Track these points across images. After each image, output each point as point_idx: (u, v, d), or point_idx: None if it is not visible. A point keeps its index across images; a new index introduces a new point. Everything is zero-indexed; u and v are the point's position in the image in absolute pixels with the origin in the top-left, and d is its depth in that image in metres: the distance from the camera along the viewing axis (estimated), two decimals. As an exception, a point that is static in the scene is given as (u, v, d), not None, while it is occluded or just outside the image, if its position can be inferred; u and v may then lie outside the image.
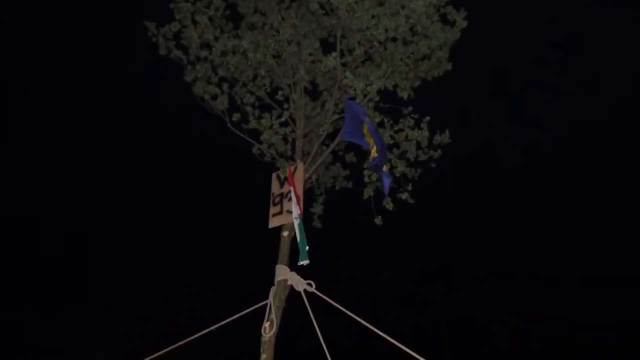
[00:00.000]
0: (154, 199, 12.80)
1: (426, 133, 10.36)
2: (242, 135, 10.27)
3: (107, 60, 12.29)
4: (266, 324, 8.63)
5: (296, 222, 9.20)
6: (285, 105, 10.63)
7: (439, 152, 10.51)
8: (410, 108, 10.50)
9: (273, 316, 8.66)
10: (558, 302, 14.06)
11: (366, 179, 10.51)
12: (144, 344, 10.45)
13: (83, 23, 12.05)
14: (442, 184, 11.84)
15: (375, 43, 10.26)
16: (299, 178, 9.63)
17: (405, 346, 7.87)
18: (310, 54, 10.52)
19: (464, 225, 14.12)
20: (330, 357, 8.15)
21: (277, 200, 9.71)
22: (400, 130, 10.52)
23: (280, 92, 10.60)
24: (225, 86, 10.49)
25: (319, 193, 11.19)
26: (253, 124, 10.18)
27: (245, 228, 12.06)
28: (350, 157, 11.13)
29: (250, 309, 8.96)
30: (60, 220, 12.64)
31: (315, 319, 8.50)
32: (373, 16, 9.95)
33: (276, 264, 9.23)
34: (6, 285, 12.34)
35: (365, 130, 9.33)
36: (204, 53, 10.53)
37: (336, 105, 10.37)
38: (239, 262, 13.21)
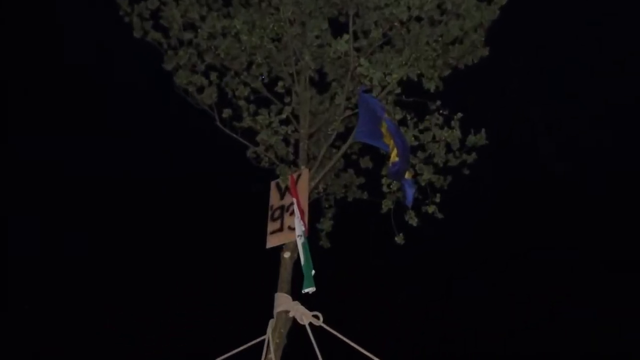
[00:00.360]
0: (155, 200, 13.89)
1: (458, 133, 10.18)
2: (234, 135, 10.16)
3: (107, 59, 13.17)
4: (263, 365, 8.64)
5: (300, 241, 9.05)
6: (287, 99, 10.52)
7: (474, 155, 10.34)
8: (439, 102, 10.32)
9: (272, 355, 8.54)
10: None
11: (385, 189, 10.35)
12: (142, 344, 13.13)
13: (82, 22, 12.80)
14: (475, 185, 11.87)
15: (395, 23, 10.13)
16: (303, 187, 9.51)
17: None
18: (316, 37, 10.35)
19: (501, 224, 14.64)
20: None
21: (276, 214, 9.61)
22: (427, 129, 10.34)
23: (280, 83, 10.40)
24: (213, 76, 10.36)
25: (327, 206, 11.13)
26: (247, 121, 10.04)
27: (244, 243, 12.29)
28: (366, 162, 11.01)
29: (244, 346, 8.89)
30: (60, 220, 13.81)
31: (323, 359, 8.44)
32: (393, -9, 9.72)
33: (275, 291, 9.07)
34: (6, 285, 13.71)
35: (383, 130, 9.24)
36: (187, 36, 10.39)
37: (348, 99, 10.19)
38: (233, 286, 13.59)
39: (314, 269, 8.85)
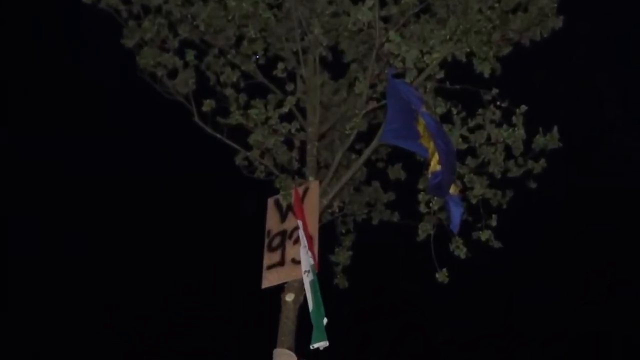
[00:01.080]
0: (154, 200, 15.99)
1: (521, 132, 10.04)
2: (218, 135, 10.11)
3: (106, 58, 14.22)
4: None
5: (307, 279, 8.87)
6: (289, 87, 10.51)
7: (542, 162, 10.23)
8: (496, 91, 10.18)
9: None
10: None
11: (422, 208, 10.23)
12: (142, 344, 15.33)
13: (80, 21, 13.79)
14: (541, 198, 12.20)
15: (437, -16, 9.95)
16: (312, 206, 9.44)
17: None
18: (329, 2, 10.41)
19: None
20: None
21: (275, 242, 9.51)
22: (479, 127, 10.25)
23: (280, 65, 10.32)
24: (190, 55, 10.34)
25: (344, 231, 11.15)
26: (236, 117, 9.92)
27: (237, 276, 12.96)
28: (396, 172, 10.99)
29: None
30: (60, 220, 16.07)
31: None
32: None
33: (274, 346, 8.98)
34: (6, 285, 16.04)
35: (420, 128, 9.26)
36: (155, 1, 10.39)
37: (373, 86, 10.14)
38: (221, 336, 15.31)
39: (327, 316, 8.68)
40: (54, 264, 16.09)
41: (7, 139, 15.66)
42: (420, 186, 10.22)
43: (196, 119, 10.12)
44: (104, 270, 15.98)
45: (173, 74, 10.34)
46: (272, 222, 9.68)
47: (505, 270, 14.14)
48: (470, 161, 10.27)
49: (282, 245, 9.39)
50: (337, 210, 10.75)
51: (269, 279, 9.32)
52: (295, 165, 10.23)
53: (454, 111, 10.23)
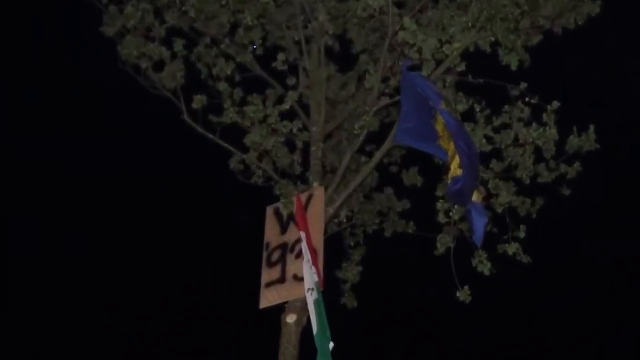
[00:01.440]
0: (153, 199, 16.82)
1: (553, 132, 9.84)
2: (211, 136, 9.99)
3: (106, 58, 14.32)
4: None
5: (311, 298, 8.73)
6: (291, 81, 10.41)
7: (577, 166, 10.05)
8: (524, 85, 10.01)
9: None
10: None
11: (441, 218, 10.11)
12: (142, 344, 16.25)
13: (80, 20, 14.46)
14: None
15: (457, -36, 9.80)
16: (317, 215, 9.35)
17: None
18: None
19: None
20: None
21: (274, 257, 9.40)
22: (505, 126, 10.12)
23: (281, 56, 10.26)
24: (179, 44, 10.26)
25: (353, 243, 11.03)
26: (231, 115, 9.85)
27: (236, 292, 13.18)
28: (412, 177, 10.89)
29: None
30: (60, 220, 17.08)
31: None
32: None
33: None
34: (6, 285, 17.17)
35: (439, 127, 9.16)
36: None
37: (385, 80, 10.01)
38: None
39: (333, 339, 8.54)
40: (54, 264, 17.03)
41: (7, 139, 16.51)
42: (439, 193, 10.06)
43: (185, 116, 9.90)
44: (103, 270, 16.85)
45: (159, 66, 10.23)
46: (271, 233, 9.56)
47: (532, 284, 14.31)
48: (495, 165, 10.09)
49: (282, 259, 9.27)
50: (344, 221, 10.61)
51: (268, 298, 9.20)
52: (298, 169, 10.09)
53: (477, 108, 10.13)
